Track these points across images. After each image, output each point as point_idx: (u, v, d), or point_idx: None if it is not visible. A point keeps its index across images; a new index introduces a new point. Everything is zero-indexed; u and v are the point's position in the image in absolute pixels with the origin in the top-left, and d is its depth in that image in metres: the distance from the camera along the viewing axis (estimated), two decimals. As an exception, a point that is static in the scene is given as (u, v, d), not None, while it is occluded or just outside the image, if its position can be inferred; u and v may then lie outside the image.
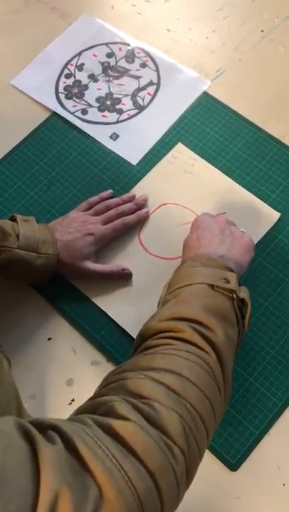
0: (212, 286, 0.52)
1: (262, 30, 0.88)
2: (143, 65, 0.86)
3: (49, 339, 0.69)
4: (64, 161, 0.80)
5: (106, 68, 0.87)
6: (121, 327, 0.68)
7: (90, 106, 0.84)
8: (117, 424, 0.37)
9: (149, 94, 0.84)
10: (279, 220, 0.73)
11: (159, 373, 0.42)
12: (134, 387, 0.41)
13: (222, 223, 0.63)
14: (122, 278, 0.70)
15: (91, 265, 0.69)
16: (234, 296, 0.52)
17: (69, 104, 0.84)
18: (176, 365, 0.44)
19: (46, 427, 0.35)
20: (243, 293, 0.53)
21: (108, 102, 0.84)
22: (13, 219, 0.68)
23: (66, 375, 0.66)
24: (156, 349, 0.47)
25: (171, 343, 0.47)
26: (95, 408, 0.40)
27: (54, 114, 0.84)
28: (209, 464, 0.62)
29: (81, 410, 0.41)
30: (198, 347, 0.46)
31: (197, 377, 0.44)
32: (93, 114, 0.83)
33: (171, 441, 0.38)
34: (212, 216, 0.65)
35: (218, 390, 0.46)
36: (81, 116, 0.83)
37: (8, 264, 0.64)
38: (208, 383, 0.45)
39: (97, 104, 0.84)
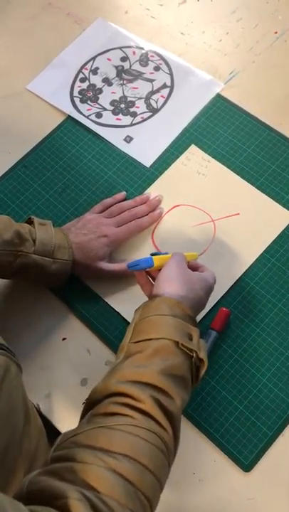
0: (176, 343, 0.52)
1: (275, 32, 0.88)
2: (157, 68, 0.87)
3: (63, 339, 0.70)
4: (79, 164, 0.81)
5: (120, 72, 0.88)
6: (134, 327, 0.68)
7: (105, 109, 0.85)
8: None
9: (162, 96, 0.85)
10: (293, 221, 0.73)
11: (117, 460, 0.42)
12: (94, 478, 0.40)
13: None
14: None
15: (105, 265, 0.69)
16: (194, 355, 0.53)
17: (84, 107, 0.85)
18: (135, 449, 0.44)
19: None
20: (203, 352, 0.54)
21: (122, 105, 0.85)
22: (30, 221, 0.69)
23: (80, 374, 0.67)
24: (115, 420, 0.46)
25: (130, 414, 0.46)
26: (50, 498, 0.39)
27: (69, 117, 0.85)
28: (222, 465, 0.62)
29: (37, 492, 0.40)
30: (157, 422, 0.47)
31: (154, 462, 0.44)
32: (107, 117, 0.84)
33: None
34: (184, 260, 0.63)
35: (168, 467, 0.47)
36: (95, 119, 0.84)
37: (24, 269, 0.66)
38: (162, 465, 0.46)
39: (112, 108, 0.85)
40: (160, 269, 0.61)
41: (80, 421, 0.51)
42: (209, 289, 0.61)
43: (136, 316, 0.57)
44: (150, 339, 0.53)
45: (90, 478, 0.41)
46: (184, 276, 0.59)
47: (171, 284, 0.58)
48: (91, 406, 0.50)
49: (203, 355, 0.54)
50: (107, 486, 0.40)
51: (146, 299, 0.68)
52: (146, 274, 0.64)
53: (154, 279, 0.63)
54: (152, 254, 0.62)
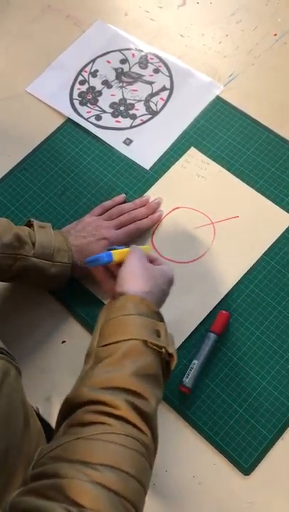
0: (145, 342, 0.51)
1: (275, 34, 0.88)
2: (156, 71, 0.87)
3: (63, 342, 0.70)
4: (78, 167, 0.81)
5: (120, 74, 0.88)
6: (134, 330, 0.68)
7: (104, 112, 0.85)
8: None
9: (162, 99, 0.85)
10: (292, 223, 0.73)
11: (99, 472, 0.42)
12: (76, 493, 0.40)
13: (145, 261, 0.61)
14: None
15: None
16: (163, 351, 0.52)
17: (83, 110, 0.85)
18: (116, 457, 0.44)
19: None
20: (171, 347, 0.53)
21: (122, 108, 0.85)
22: (30, 224, 0.69)
23: (80, 377, 0.67)
24: (92, 429, 0.45)
25: (106, 421, 0.46)
26: None
27: (68, 120, 0.85)
28: (222, 469, 0.62)
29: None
30: (135, 426, 0.46)
31: (136, 467, 0.44)
32: (107, 119, 0.84)
33: None
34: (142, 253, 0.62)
35: (150, 469, 0.47)
36: (95, 122, 0.84)
37: (24, 272, 0.66)
38: (143, 468, 0.45)
39: (111, 110, 0.85)
40: (118, 264, 0.60)
41: (55, 434, 0.49)
42: (170, 283, 0.61)
43: (101, 318, 0.56)
44: (118, 341, 0.52)
45: (73, 493, 0.40)
46: (148, 272, 0.58)
47: (135, 281, 0.57)
48: (65, 417, 0.49)
49: (172, 349, 0.53)
50: (90, 499, 0.40)
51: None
52: (105, 269, 0.62)
53: (111, 274, 0.62)
54: (109, 249, 0.61)
